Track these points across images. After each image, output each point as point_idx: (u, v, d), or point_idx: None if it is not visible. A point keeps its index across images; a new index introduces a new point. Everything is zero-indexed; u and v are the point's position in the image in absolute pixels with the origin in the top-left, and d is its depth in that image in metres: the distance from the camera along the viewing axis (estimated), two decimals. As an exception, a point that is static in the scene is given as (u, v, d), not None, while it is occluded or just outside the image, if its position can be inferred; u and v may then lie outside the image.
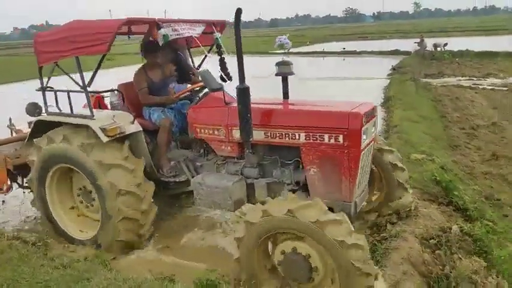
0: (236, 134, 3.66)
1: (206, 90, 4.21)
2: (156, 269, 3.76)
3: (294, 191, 3.56)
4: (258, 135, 3.54)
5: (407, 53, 25.15)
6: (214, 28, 4.52)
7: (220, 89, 3.73)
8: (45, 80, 4.25)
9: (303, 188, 3.61)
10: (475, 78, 15.90)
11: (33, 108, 4.64)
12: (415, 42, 23.49)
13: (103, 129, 3.82)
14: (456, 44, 25.08)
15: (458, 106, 10.76)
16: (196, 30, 4.16)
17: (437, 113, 10.02)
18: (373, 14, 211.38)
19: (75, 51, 3.82)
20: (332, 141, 3.25)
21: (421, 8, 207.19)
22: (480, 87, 13.77)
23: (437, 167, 5.50)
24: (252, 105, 3.36)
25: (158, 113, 4.36)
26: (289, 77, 3.85)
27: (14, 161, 4.75)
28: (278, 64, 3.77)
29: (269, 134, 3.55)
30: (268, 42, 34.43)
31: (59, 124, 4.16)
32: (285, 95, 3.92)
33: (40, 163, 4.23)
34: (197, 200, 3.87)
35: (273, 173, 3.74)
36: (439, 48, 23.37)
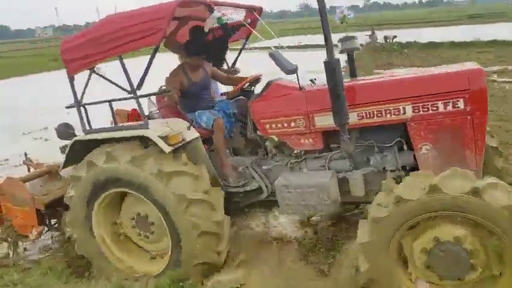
0: (320, 121, 3.20)
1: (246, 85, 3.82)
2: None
3: (398, 178, 3.05)
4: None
5: (360, 45, 25.79)
6: (254, 13, 3.97)
7: (295, 70, 3.16)
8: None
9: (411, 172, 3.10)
10: (422, 68, 16.35)
11: (65, 130, 3.97)
12: (367, 35, 24.08)
13: (163, 138, 3.17)
14: (404, 35, 25.98)
15: None
16: (239, 16, 3.67)
17: None
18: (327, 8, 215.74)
19: (117, 50, 3.20)
20: (449, 108, 2.79)
21: (370, 2, 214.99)
22: None
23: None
24: (317, 87, 3.01)
25: (207, 114, 3.74)
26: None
27: (44, 199, 3.97)
28: (342, 40, 3.35)
29: (363, 114, 3.04)
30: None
31: (97, 145, 3.48)
32: (353, 73, 3.50)
33: (82, 196, 3.49)
34: (283, 206, 3.29)
35: (369, 161, 3.22)
36: (388, 40, 24.09)
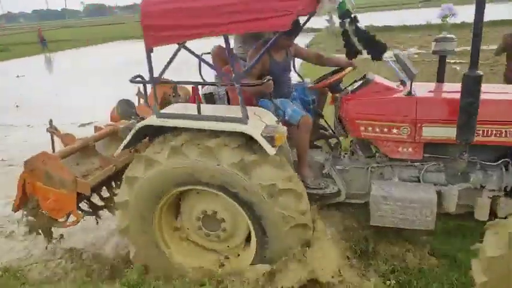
0: (429, 132, 2.99)
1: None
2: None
3: (493, 198, 3.00)
4: (449, 133, 2.90)
5: (319, 30, 25.97)
6: None
7: (415, 76, 2.95)
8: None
9: (510, 194, 3.03)
10: None
11: (127, 108, 3.50)
12: (326, 19, 23.59)
13: (268, 138, 2.73)
14: (363, 19, 26.41)
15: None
16: None
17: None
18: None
19: (229, 27, 2.58)
20: None
21: None
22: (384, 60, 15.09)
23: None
24: (434, 95, 2.89)
25: (292, 107, 3.32)
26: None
27: (89, 182, 3.39)
28: (438, 40, 3.13)
29: (481, 132, 2.88)
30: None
31: (161, 132, 3.03)
32: (441, 77, 3.31)
33: (142, 199, 3.01)
34: (376, 217, 3.07)
35: (469, 177, 3.08)
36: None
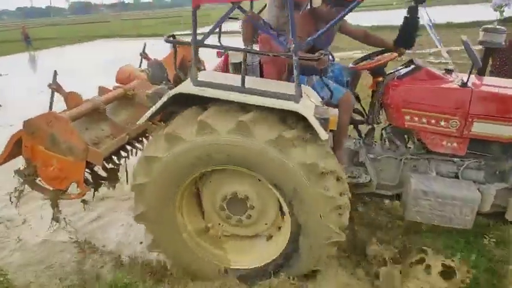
0: (480, 127, 2.86)
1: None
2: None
3: None
4: (503, 131, 2.80)
5: None
6: None
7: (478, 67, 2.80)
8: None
9: None
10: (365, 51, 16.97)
11: (159, 72, 3.05)
12: None
13: (322, 121, 2.51)
14: (356, 20, 26.37)
15: None
16: None
17: None
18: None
19: None
20: None
21: None
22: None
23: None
24: (491, 89, 2.77)
25: (333, 84, 3.07)
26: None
27: (103, 152, 3.05)
28: (487, 30, 3.00)
29: None
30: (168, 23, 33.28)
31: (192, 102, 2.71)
32: (482, 71, 3.17)
33: (165, 180, 2.72)
34: (412, 212, 2.94)
35: (506, 177, 2.98)
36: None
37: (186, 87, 2.64)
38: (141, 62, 4.41)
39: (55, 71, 3.39)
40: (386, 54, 3.27)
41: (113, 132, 3.37)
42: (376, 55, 3.37)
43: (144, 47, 4.43)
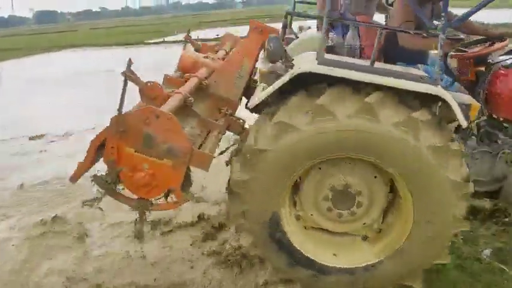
0: None
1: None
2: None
3: None
4: None
5: None
6: None
7: None
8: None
9: None
10: None
11: (281, 47, 2.72)
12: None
13: (465, 107, 2.49)
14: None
15: None
16: None
17: None
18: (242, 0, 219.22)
19: None
20: None
21: None
22: None
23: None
24: None
25: (443, 75, 2.92)
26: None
27: (211, 152, 2.68)
28: None
29: None
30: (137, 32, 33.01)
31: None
32: None
33: (286, 161, 2.54)
34: None
35: None
36: (303, 31, 24.92)
37: (312, 66, 2.44)
38: (184, 47, 4.00)
39: (129, 59, 2.71)
40: (496, 42, 3.11)
41: (201, 129, 2.91)
42: (480, 44, 3.18)
43: (189, 32, 4.11)
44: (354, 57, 2.99)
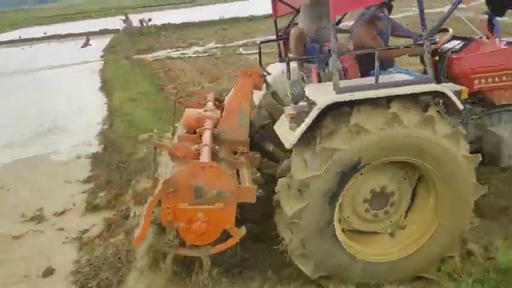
0: None
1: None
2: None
3: None
4: None
5: (116, 31, 25.43)
6: None
7: None
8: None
9: None
10: (181, 49, 17.77)
11: (302, 91, 3.07)
12: (121, 19, 24.25)
13: (456, 93, 3.00)
14: (159, 18, 27.03)
15: (172, 77, 11.89)
16: None
17: (156, 88, 10.77)
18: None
19: None
20: None
21: None
22: (187, 56, 15.61)
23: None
24: None
25: (413, 72, 3.60)
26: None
27: (252, 186, 3.06)
28: None
29: None
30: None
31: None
32: None
33: (328, 184, 2.83)
34: (506, 158, 3.54)
35: None
36: (144, 24, 24.65)
37: (335, 96, 2.82)
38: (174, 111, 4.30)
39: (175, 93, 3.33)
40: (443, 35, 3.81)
41: (231, 170, 3.35)
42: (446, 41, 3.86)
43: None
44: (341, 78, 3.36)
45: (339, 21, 4.53)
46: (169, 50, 17.82)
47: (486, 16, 4.02)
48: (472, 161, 3.02)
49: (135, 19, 24.69)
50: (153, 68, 13.82)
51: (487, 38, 3.79)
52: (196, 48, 17.94)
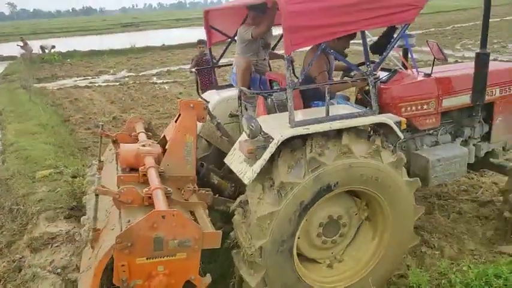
0: (446, 103, 3.87)
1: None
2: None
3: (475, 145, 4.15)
4: (462, 100, 3.94)
5: (12, 58, 23.96)
6: None
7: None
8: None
9: (483, 138, 4.21)
10: (89, 77, 17.30)
11: (259, 127, 2.96)
12: (18, 45, 22.66)
13: (397, 123, 3.18)
14: (63, 45, 26.16)
15: (80, 107, 11.47)
16: None
17: (60, 118, 10.22)
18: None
19: (365, 23, 3.02)
20: None
21: (18, 9, 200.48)
22: (96, 85, 15.12)
23: (68, 178, 5.43)
24: (448, 73, 3.99)
25: (348, 102, 3.98)
26: None
27: (218, 231, 2.74)
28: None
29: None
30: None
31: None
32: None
33: (293, 209, 2.87)
34: (432, 179, 3.74)
35: (463, 132, 4.09)
36: (46, 50, 23.54)
37: (291, 130, 2.87)
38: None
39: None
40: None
41: (187, 213, 3.02)
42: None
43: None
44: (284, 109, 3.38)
45: (274, 46, 4.83)
46: (76, 79, 17.16)
47: (401, 49, 4.44)
48: (413, 186, 3.27)
49: (35, 45, 23.47)
50: (56, 97, 13.10)
51: (406, 69, 4.14)
52: (106, 76, 17.37)
